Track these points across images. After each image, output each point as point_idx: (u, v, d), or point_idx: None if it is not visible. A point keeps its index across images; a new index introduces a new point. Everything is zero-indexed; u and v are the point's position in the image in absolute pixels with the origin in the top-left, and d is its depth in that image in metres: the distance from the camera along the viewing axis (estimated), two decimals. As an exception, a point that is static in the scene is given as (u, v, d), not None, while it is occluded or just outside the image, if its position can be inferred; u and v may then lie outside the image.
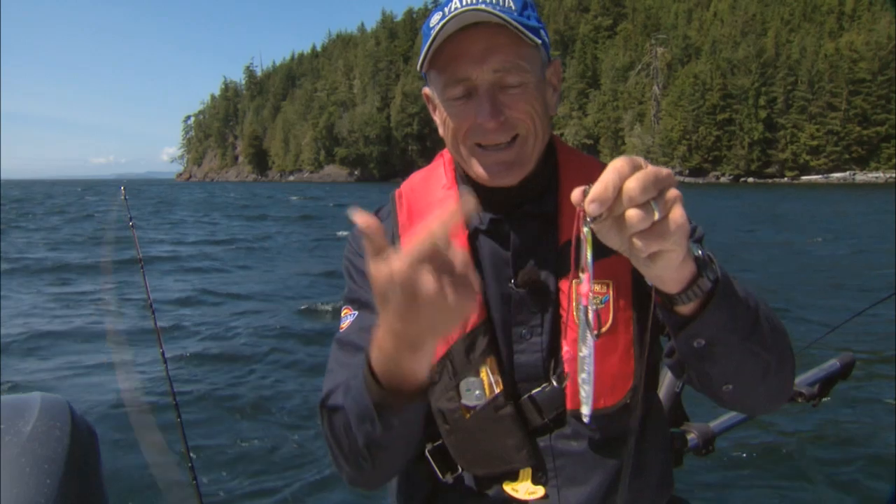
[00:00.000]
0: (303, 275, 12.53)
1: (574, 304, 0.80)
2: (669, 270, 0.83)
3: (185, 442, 1.91)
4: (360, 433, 0.99)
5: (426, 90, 1.21)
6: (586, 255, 0.77)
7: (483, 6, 1.03)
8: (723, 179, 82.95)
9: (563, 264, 1.13)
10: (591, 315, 0.79)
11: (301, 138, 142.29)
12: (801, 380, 1.98)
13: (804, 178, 78.72)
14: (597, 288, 1.11)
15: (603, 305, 1.12)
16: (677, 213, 0.75)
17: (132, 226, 2.46)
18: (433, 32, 1.05)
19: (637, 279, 1.11)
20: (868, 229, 20.67)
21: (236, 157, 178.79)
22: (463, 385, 1.11)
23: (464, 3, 1.05)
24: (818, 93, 78.56)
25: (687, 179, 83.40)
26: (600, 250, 1.06)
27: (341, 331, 1.21)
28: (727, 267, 0.96)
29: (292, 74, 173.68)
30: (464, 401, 1.11)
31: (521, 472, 1.15)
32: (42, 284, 11.70)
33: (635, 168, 0.75)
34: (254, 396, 5.72)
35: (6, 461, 0.97)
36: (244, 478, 4.30)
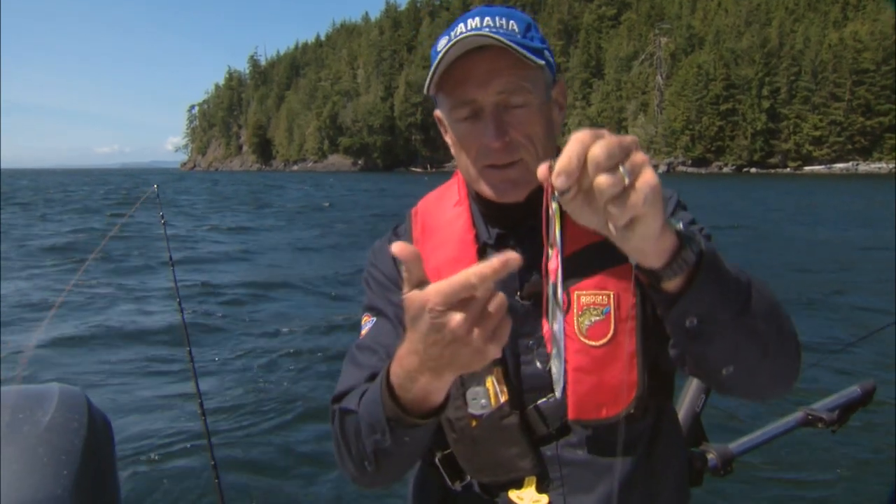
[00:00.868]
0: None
1: (544, 280, 0.78)
2: (649, 240, 0.81)
3: (209, 440, 1.93)
4: (370, 441, 1.02)
5: (437, 112, 1.26)
6: (555, 231, 0.76)
7: (487, 31, 1.08)
8: (725, 170, 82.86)
9: (568, 276, 1.13)
10: (559, 292, 0.78)
11: (305, 128, 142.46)
12: (822, 405, 2.00)
13: (807, 168, 78.62)
14: (597, 299, 1.13)
15: (603, 317, 1.13)
16: (648, 175, 0.74)
17: (164, 223, 2.48)
18: (439, 56, 1.10)
19: (643, 289, 1.11)
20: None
21: (240, 147, 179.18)
22: (469, 394, 1.13)
23: (469, 27, 1.11)
24: (821, 83, 78.31)
25: (690, 170, 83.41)
26: (602, 262, 1.11)
27: (360, 337, 1.26)
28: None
29: (296, 64, 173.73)
30: (470, 409, 1.14)
31: (526, 480, 1.17)
32: (60, 273, 11.73)
33: (598, 137, 0.74)
34: (280, 396, 5.69)
35: (24, 450, 0.98)
36: (265, 477, 4.36)
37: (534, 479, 1.17)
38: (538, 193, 1.14)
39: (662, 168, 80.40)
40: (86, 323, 8.10)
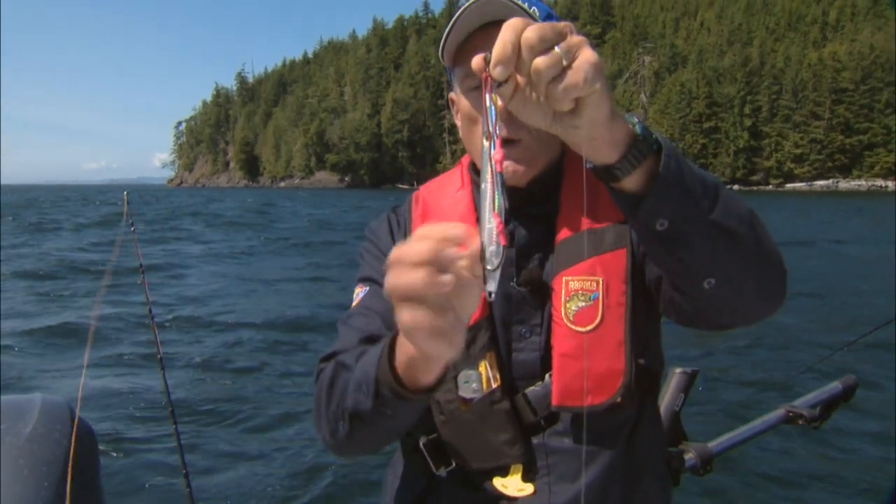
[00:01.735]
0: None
1: (489, 170, 0.71)
2: (599, 126, 0.78)
3: (180, 447, 1.96)
4: (351, 399, 0.99)
5: (452, 94, 1.26)
6: (495, 121, 0.73)
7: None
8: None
9: (559, 262, 1.15)
10: (501, 182, 0.71)
11: (292, 144, 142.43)
12: (803, 402, 1.97)
13: (788, 185, 79.61)
14: (585, 284, 1.13)
15: (591, 303, 1.12)
16: (587, 54, 0.72)
17: (134, 230, 2.52)
18: (455, 17, 1.09)
19: (632, 277, 1.13)
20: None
21: (227, 163, 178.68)
22: (461, 377, 1.12)
23: None
24: (802, 101, 79.49)
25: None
26: (592, 248, 1.12)
27: (353, 306, 1.25)
28: None
29: (284, 81, 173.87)
30: (461, 393, 1.12)
31: (512, 467, 1.16)
32: (43, 286, 11.75)
33: (530, 23, 0.72)
34: (251, 402, 5.78)
35: (5, 462, 0.97)
36: (238, 483, 4.36)
37: (520, 467, 1.16)
38: (538, 181, 1.21)
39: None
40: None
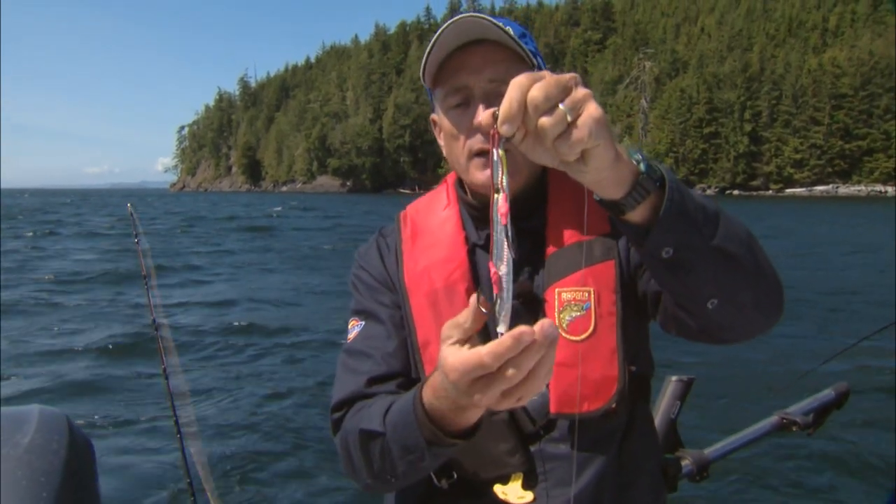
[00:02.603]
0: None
1: (491, 225, 0.76)
2: (604, 171, 0.82)
3: (183, 455, 1.94)
4: (402, 462, 1.01)
5: (433, 116, 1.30)
6: (501, 176, 0.75)
7: (482, 16, 1.11)
8: (709, 192, 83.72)
9: (550, 274, 1.19)
10: (510, 234, 0.76)
11: (294, 149, 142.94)
12: (796, 409, 1.99)
13: (788, 190, 79.79)
14: (577, 295, 1.16)
15: (584, 313, 1.15)
16: (591, 109, 0.75)
17: (137, 241, 2.50)
18: (433, 40, 1.13)
19: (624, 285, 1.18)
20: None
21: (230, 168, 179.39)
22: None
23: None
24: (802, 107, 79.73)
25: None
26: (583, 260, 1.15)
27: (349, 342, 1.27)
28: None
29: (286, 86, 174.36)
30: None
31: (513, 476, 1.18)
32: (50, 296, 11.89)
33: (537, 80, 0.75)
34: (256, 415, 5.80)
35: (3, 473, 0.97)
36: (240, 489, 4.42)
37: (521, 475, 1.18)
38: (524, 193, 1.23)
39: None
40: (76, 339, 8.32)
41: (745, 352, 7.20)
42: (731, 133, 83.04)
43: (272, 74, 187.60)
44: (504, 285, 0.74)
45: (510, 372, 0.70)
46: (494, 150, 0.76)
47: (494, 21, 1.10)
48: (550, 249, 1.20)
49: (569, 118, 0.74)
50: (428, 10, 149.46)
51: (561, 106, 0.74)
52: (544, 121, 0.74)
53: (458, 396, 0.78)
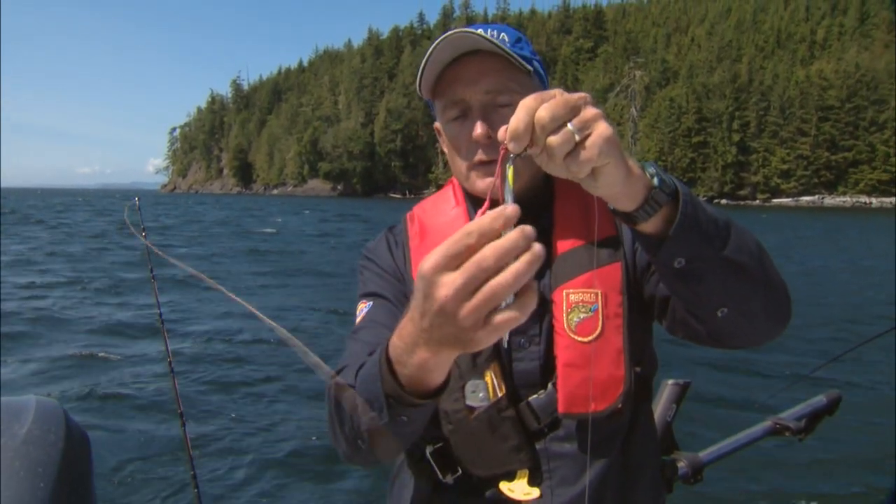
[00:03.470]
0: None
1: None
2: (615, 186, 0.84)
3: (189, 454, 1.96)
4: (366, 419, 0.98)
5: (436, 124, 1.31)
6: (507, 193, 0.75)
7: (476, 30, 1.12)
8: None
9: (558, 276, 1.20)
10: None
11: (285, 152, 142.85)
12: (789, 414, 2.02)
13: (775, 200, 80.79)
14: (585, 297, 1.17)
15: (591, 314, 1.16)
16: (600, 129, 0.76)
17: (144, 235, 2.42)
18: (427, 54, 1.13)
19: (631, 287, 1.20)
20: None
21: (221, 170, 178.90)
22: (469, 387, 1.16)
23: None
24: (789, 118, 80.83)
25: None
26: (590, 262, 1.18)
27: (357, 323, 1.26)
28: None
29: (278, 89, 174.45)
30: (468, 402, 1.15)
31: (518, 472, 1.20)
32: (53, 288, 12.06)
33: (545, 100, 0.76)
34: (260, 410, 5.84)
35: (4, 464, 0.98)
36: (245, 483, 4.48)
37: (526, 472, 1.19)
38: (530, 192, 1.25)
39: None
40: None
41: (741, 356, 7.29)
42: (720, 143, 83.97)
43: (265, 77, 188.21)
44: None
45: (487, 252, 0.66)
46: (505, 168, 0.76)
47: (485, 35, 1.10)
48: (557, 250, 1.21)
49: (577, 137, 0.76)
50: (421, 15, 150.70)
51: (569, 126, 0.75)
52: (552, 140, 0.75)
53: (425, 303, 0.71)
